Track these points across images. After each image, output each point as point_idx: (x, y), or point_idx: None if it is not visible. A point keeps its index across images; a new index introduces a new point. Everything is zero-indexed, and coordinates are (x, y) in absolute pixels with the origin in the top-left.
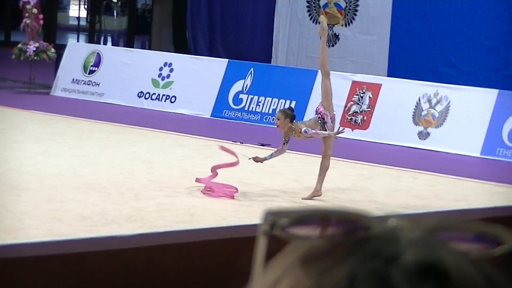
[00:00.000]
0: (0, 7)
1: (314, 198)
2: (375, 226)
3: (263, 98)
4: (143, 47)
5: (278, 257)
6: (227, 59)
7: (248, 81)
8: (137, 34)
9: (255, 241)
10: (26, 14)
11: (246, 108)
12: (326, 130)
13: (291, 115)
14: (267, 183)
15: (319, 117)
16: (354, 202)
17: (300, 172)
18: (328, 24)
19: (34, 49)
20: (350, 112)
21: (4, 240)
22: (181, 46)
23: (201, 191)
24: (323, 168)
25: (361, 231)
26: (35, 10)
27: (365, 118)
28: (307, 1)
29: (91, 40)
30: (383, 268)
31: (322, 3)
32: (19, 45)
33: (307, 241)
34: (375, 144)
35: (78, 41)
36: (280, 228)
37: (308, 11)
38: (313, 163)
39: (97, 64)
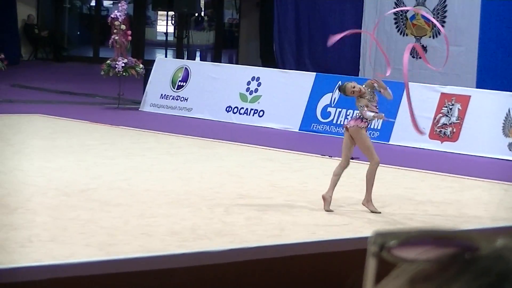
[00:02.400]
0: (89, 23)
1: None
2: (484, 247)
3: (351, 111)
4: (230, 61)
5: (387, 279)
6: (315, 73)
7: (336, 94)
8: (224, 48)
9: (346, 256)
10: (115, 30)
11: (334, 122)
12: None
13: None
14: (356, 196)
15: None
16: (445, 215)
17: (390, 185)
18: (415, 36)
19: (123, 65)
20: (439, 124)
21: (96, 256)
22: (268, 59)
23: None
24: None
25: (470, 252)
26: (123, 26)
27: (454, 130)
28: (394, 13)
29: (179, 55)
30: (497, 283)
31: (409, 15)
32: (108, 61)
33: (416, 263)
34: (465, 156)
35: (166, 56)
36: (388, 249)
37: (396, 23)
38: (403, 175)
39: (185, 79)
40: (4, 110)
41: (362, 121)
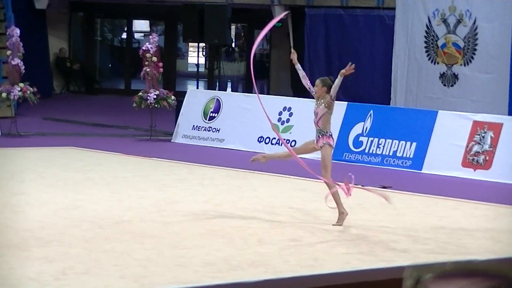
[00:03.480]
0: (120, 56)
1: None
2: None
3: (383, 140)
4: (261, 92)
5: None
6: (346, 102)
7: (368, 123)
8: (255, 79)
9: (380, 286)
10: (146, 62)
11: (366, 151)
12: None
13: (329, 84)
14: (391, 225)
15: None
16: (479, 244)
17: (424, 214)
18: (446, 64)
19: (155, 96)
20: (471, 152)
21: None
22: (299, 89)
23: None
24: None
25: (506, 284)
26: (154, 58)
27: (487, 158)
28: (425, 41)
29: (210, 86)
30: None
31: (440, 43)
32: (140, 93)
33: None
34: (498, 184)
35: (197, 87)
36: (424, 283)
37: (426, 51)
38: (436, 204)
39: (216, 110)
40: (37, 143)
41: (332, 139)
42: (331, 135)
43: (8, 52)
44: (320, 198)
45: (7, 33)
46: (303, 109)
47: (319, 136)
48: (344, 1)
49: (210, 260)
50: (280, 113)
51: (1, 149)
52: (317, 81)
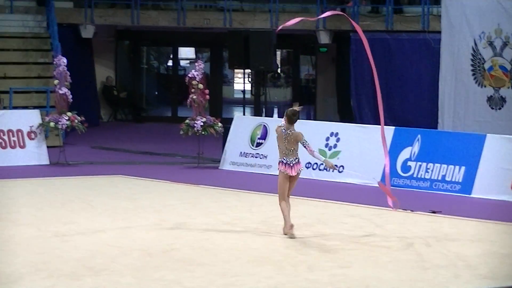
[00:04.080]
0: (166, 83)
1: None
2: None
3: (432, 164)
4: (308, 117)
5: None
6: (394, 126)
7: (416, 148)
8: (301, 104)
9: None
10: (192, 90)
11: (415, 175)
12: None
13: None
14: (442, 250)
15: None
16: None
17: (474, 239)
18: (494, 87)
19: (202, 124)
20: None
21: None
22: (346, 114)
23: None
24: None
25: None
26: (200, 86)
27: None
28: (472, 64)
29: (256, 112)
30: None
31: (486, 66)
32: (187, 121)
33: None
34: None
35: (244, 114)
36: None
37: (473, 74)
38: (487, 228)
39: (263, 136)
40: (85, 172)
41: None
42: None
43: (56, 82)
44: (369, 224)
45: (54, 62)
46: (350, 134)
47: (294, 163)
48: (389, 25)
49: None
50: (327, 139)
51: (50, 178)
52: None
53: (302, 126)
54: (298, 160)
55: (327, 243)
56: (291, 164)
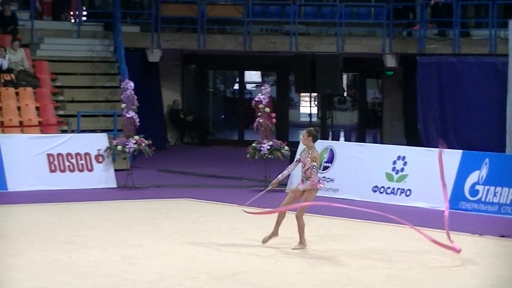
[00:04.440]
0: (233, 107)
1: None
2: None
3: (500, 188)
4: (375, 141)
5: None
6: (461, 150)
7: (484, 172)
8: (368, 128)
9: None
10: (259, 113)
11: (483, 200)
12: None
13: (314, 135)
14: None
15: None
16: None
17: None
18: None
19: (268, 147)
20: None
21: None
22: (413, 138)
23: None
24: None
25: None
26: (267, 109)
27: None
28: None
29: (323, 136)
30: None
31: None
32: (253, 144)
33: None
34: None
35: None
36: None
37: None
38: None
39: (330, 160)
40: (153, 195)
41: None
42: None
43: (123, 105)
44: (437, 248)
45: (122, 86)
46: (418, 158)
47: (306, 181)
48: (456, 49)
49: None
50: (394, 162)
51: (117, 201)
52: (304, 132)
53: (368, 149)
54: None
55: (395, 267)
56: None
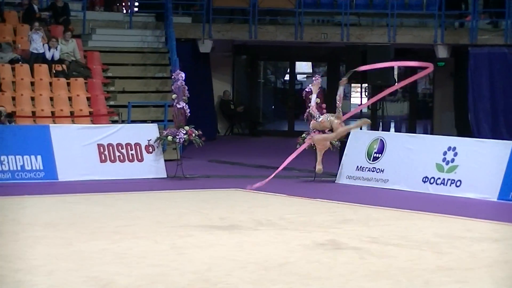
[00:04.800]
0: (283, 97)
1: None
2: None
3: None
4: (425, 132)
5: None
6: None
7: None
8: (418, 119)
9: None
10: (309, 104)
11: None
12: None
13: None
14: None
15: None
16: None
17: None
18: None
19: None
20: None
21: None
22: (463, 129)
23: None
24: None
25: None
26: (318, 100)
27: None
28: None
29: (373, 127)
30: None
31: None
32: (303, 135)
33: None
34: None
35: (360, 128)
36: None
37: None
38: None
39: (380, 150)
40: (202, 186)
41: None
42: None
43: (174, 96)
44: (486, 239)
45: (173, 77)
46: (468, 148)
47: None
48: (509, 40)
49: None
50: (444, 153)
51: (167, 192)
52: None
53: (419, 140)
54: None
55: (444, 258)
56: None
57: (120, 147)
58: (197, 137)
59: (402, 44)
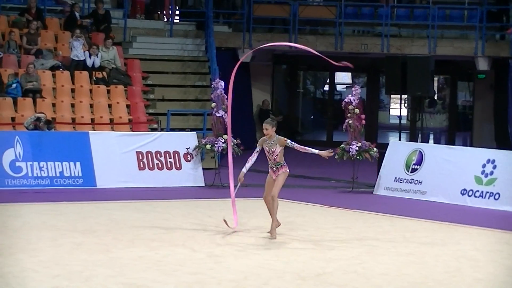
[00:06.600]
0: (322, 107)
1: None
2: None
3: None
4: (464, 144)
5: None
6: None
7: None
8: (458, 131)
9: None
10: (348, 114)
11: None
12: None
13: (276, 124)
14: None
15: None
16: None
17: None
18: None
19: (357, 148)
20: None
21: None
22: (503, 141)
23: None
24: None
25: None
26: (357, 110)
27: None
28: None
29: (412, 138)
30: None
31: None
32: (342, 145)
33: None
34: None
35: (399, 139)
36: None
37: None
38: None
39: (419, 162)
40: (240, 195)
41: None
42: (285, 164)
43: (213, 105)
44: None
45: (212, 85)
46: (508, 161)
47: (276, 167)
48: None
49: None
50: (483, 166)
51: (205, 200)
52: (266, 124)
53: (458, 152)
54: (281, 166)
55: (481, 270)
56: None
57: (158, 154)
58: (236, 145)
59: (442, 55)
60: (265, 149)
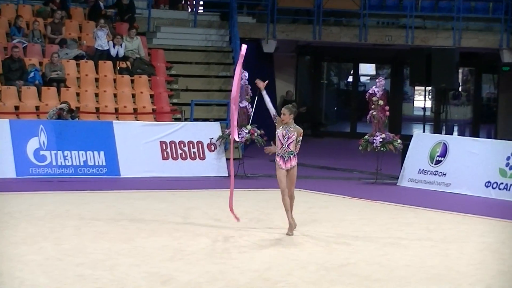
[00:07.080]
0: (346, 99)
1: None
2: None
3: None
4: (488, 136)
5: None
6: None
7: None
8: (482, 123)
9: None
10: (372, 106)
11: None
12: None
13: (295, 111)
14: None
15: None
16: None
17: None
18: None
19: (381, 140)
20: None
21: None
22: None
23: None
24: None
25: None
26: (381, 102)
27: None
28: None
29: (436, 130)
30: None
31: None
32: (366, 137)
33: None
34: None
35: (423, 131)
36: None
37: None
38: None
39: (443, 154)
40: (263, 185)
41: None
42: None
43: None
44: None
45: None
46: None
47: (289, 156)
48: None
49: None
50: (508, 158)
51: (228, 190)
52: (285, 110)
53: (482, 144)
54: (294, 155)
55: (506, 263)
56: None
57: (182, 144)
58: (259, 136)
59: (467, 48)
60: (281, 133)
